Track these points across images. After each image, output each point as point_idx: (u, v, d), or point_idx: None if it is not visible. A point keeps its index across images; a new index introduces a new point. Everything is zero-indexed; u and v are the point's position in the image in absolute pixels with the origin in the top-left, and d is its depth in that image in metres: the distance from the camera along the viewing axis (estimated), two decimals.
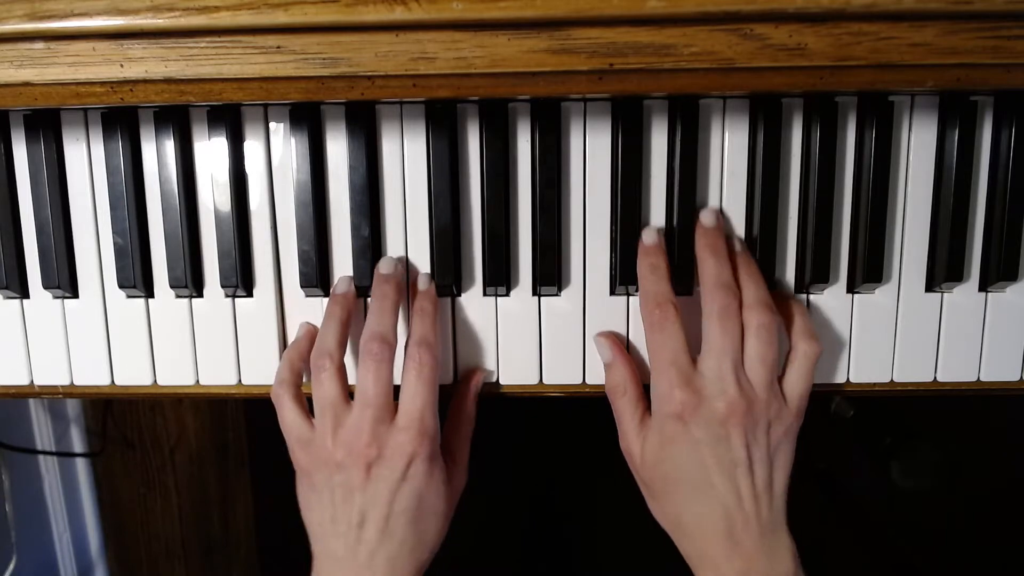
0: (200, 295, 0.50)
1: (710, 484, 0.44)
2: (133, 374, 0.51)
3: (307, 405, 0.47)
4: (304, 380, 0.49)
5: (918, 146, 0.48)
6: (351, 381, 0.48)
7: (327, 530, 0.46)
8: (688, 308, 0.48)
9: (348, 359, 0.49)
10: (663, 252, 0.48)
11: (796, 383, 0.46)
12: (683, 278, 0.49)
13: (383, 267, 0.48)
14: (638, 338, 0.50)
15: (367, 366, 0.45)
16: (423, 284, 0.49)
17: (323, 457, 0.45)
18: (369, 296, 0.49)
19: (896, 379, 0.51)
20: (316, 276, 0.49)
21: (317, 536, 0.47)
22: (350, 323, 0.48)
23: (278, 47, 0.41)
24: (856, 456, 1.10)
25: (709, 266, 0.46)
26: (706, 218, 0.48)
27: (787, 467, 0.46)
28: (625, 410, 0.48)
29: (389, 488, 0.44)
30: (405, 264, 0.50)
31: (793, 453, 0.46)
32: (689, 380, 0.45)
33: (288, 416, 0.47)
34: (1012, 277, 0.49)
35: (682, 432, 0.44)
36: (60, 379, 0.51)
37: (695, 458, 0.44)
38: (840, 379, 0.51)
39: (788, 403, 0.46)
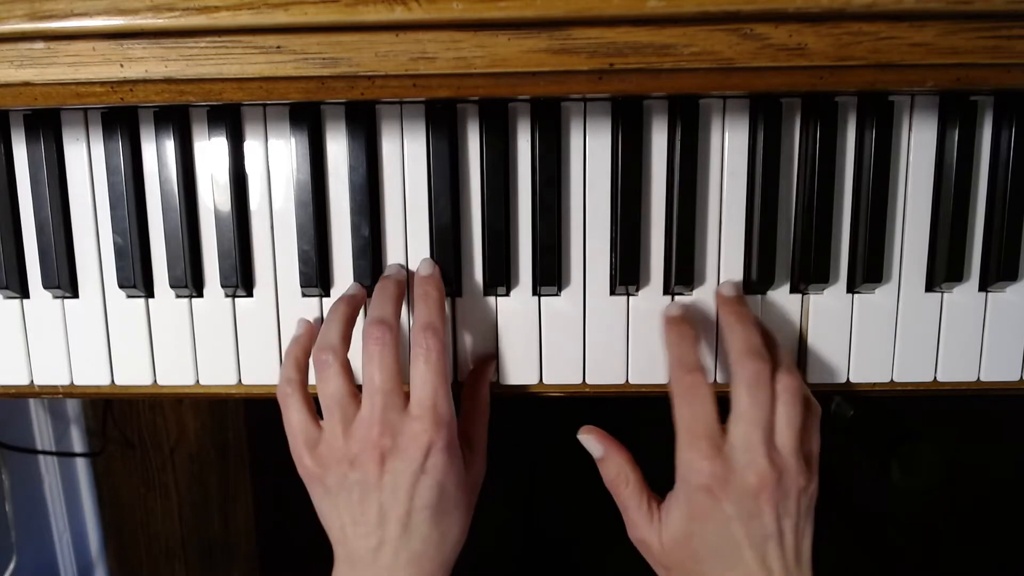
0: (200, 295, 0.50)
1: (740, 559, 0.43)
2: (133, 374, 0.51)
3: (315, 406, 0.46)
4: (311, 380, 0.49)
5: (918, 146, 0.48)
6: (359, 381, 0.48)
7: (348, 534, 0.44)
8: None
9: (356, 363, 0.48)
10: (689, 322, 0.47)
11: (812, 443, 0.45)
12: (682, 279, 0.49)
13: (386, 271, 0.49)
14: (638, 339, 0.50)
15: (370, 352, 0.43)
16: (425, 269, 0.48)
17: (335, 456, 0.43)
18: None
19: (896, 379, 0.51)
20: (316, 276, 0.49)
21: (338, 541, 0.45)
22: (354, 321, 0.47)
23: (278, 47, 0.41)
24: (856, 456, 1.10)
25: (737, 332, 0.45)
26: (726, 289, 0.48)
27: (811, 534, 0.44)
28: (631, 501, 0.47)
29: (408, 481, 0.43)
30: (406, 269, 0.50)
31: (814, 516, 0.45)
32: (718, 450, 0.43)
33: (295, 417, 0.45)
34: (1012, 277, 0.49)
35: (712, 507, 0.43)
36: (60, 379, 0.51)
37: (726, 534, 0.43)
38: (840, 379, 0.51)
39: (812, 468, 0.44)
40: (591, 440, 0.49)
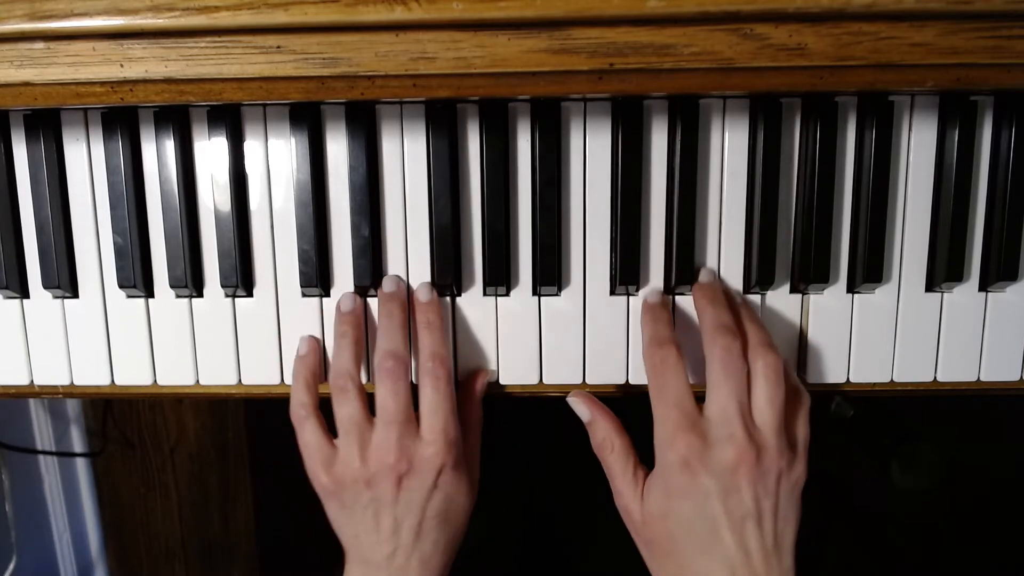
0: (200, 295, 0.50)
1: (718, 539, 0.42)
2: (133, 374, 0.51)
3: (326, 424, 0.48)
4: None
5: (918, 146, 0.48)
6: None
7: (362, 542, 0.46)
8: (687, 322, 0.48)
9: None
10: (666, 307, 0.48)
11: (799, 429, 0.45)
12: (683, 279, 0.49)
13: (386, 286, 0.49)
14: (638, 339, 0.50)
15: (384, 385, 0.45)
16: (425, 296, 0.49)
17: (351, 475, 0.46)
18: (371, 296, 0.50)
19: (896, 379, 0.51)
20: (316, 276, 0.49)
21: (351, 547, 0.47)
22: (363, 340, 0.49)
23: (278, 47, 0.41)
24: (856, 456, 1.11)
25: (708, 312, 0.46)
26: (702, 275, 0.49)
27: (796, 523, 0.44)
28: (616, 466, 0.47)
29: (422, 497, 0.46)
30: (406, 277, 0.50)
31: (800, 508, 0.44)
32: (694, 423, 0.43)
33: (311, 439, 0.47)
34: (1012, 277, 0.49)
35: (690, 482, 0.42)
36: (60, 379, 0.51)
37: (704, 511, 0.42)
38: (840, 379, 0.51)
39: (796, 452, 0.44)
40: (579, 403, 0.50)
